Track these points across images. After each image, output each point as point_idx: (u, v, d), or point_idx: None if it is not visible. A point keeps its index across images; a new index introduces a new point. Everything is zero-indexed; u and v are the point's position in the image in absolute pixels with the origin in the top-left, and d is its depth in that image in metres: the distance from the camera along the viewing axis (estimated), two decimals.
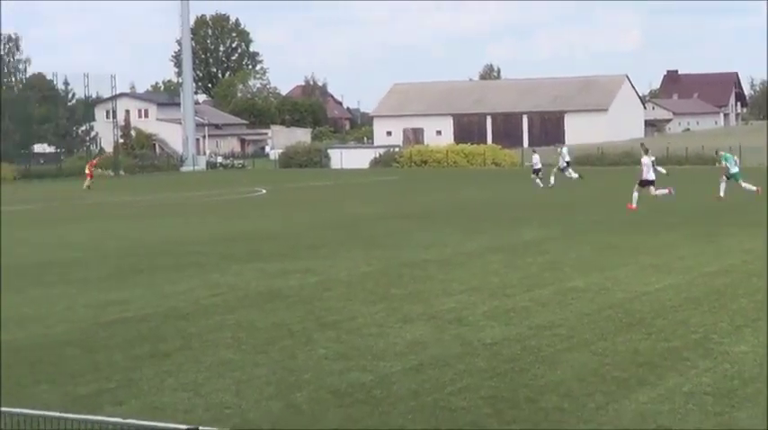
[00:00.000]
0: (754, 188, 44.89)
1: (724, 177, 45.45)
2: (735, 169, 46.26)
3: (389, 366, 14.37)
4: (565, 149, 65.87)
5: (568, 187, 56.24)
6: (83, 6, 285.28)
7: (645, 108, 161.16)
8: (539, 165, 60.74)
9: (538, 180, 59.09)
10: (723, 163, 46.87)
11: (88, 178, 70.01)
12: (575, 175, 61.11)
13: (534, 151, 66.38)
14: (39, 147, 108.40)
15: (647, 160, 42.61)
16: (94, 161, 79.31)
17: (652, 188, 41.79)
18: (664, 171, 62.90)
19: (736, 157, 48.52)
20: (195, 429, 7.82)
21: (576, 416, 11.86)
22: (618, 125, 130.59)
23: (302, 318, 18.24)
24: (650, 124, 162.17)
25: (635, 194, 40.44)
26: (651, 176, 41.90)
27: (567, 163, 64.11)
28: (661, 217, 36.73)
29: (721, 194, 44.13)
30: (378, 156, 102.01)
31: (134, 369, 14.46)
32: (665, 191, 42.51)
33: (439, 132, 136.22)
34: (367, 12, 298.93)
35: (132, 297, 20.95)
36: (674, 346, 15.28)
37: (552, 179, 58.12)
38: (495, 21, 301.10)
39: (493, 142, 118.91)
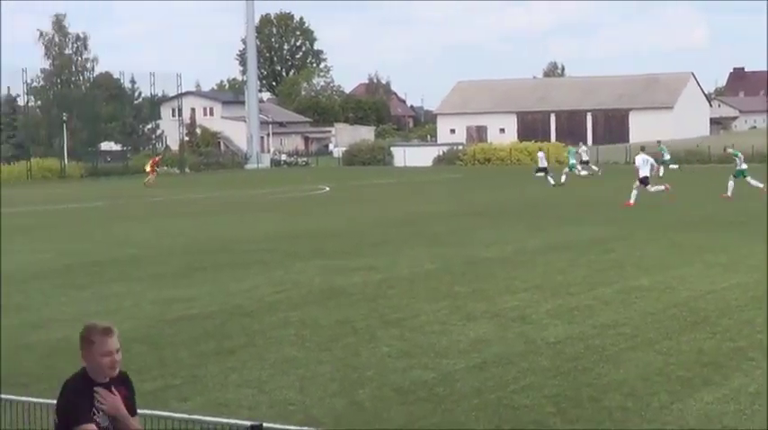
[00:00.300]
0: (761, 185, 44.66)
1: (732, 176, 45.29)
2: (743, 166, 46.09)
3: (452, 364, 14.39)
4: (584, 148, 66.60)
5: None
6: (149, 6, 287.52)
7: (711, 106, 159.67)
8: (544, 164, 60.92)
9: (549, 178, 59.01)
10: (737, 159, 46.77)
11: (151, 175, 70.56)
12: (583, 173, 61.43)
13: (540, 149, 66.70)
14: (105, 145, 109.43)
15: (640, 160, 43.00)
16: (157, 158, 79.81)
17: (649, 186, 42.03)
18: (676, 166, 63.33)
19: (741, 155, 48.35)
20: (259, 426, 7.89)
21: (639, 416, 11.82)
22: (683, 123, 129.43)
23: (365, 315, 18.30)
24: (716, 122, 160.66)
25: (633, 192, 41.24)
26: (645, 173, 42.11)
27: (586, 162, 64.77)
28: (727, 215, 36.42)
29: (728, 194, 43.76)
30: (441, 153, 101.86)
31: (199, 366, 14.58)
32: (662, 188, 42.72)
33: (502, 130, 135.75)
34: (431, 10, 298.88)
35: (197, 294, 21.12)
36: (739, 346, 15.16)
37: (563, 178, 58.59)
38: (559, 18, 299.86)
39: (557, 140, 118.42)
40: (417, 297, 20.18)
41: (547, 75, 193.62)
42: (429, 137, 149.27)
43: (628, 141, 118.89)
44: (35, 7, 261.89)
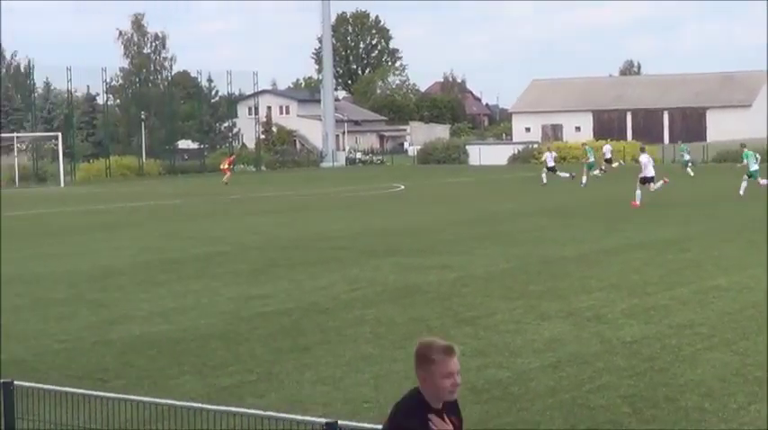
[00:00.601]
0: (765, 181, 45.14)
1: (745, 176, 45.50)
2: (754, 167, 46.40)
3: (527, 363, 14.37)
4: (608, 147, 70.06)
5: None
6: (226, 6, 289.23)
7: None
8: (552, 164, 61.78)
9: (543, 175, 60.41)
10: (744, 161, 47.20)
11: (226, 173, 71.04)
12: (564, 175, 62.90)
13: (549, 149, 68.11)
14: (183, 143, 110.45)
15: (644, 158, 44.46)
16: (232, 157, 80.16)
17: (651, 184, 43.19)
18: (691, 173, 64.36)
19: (757, 155, 48.85)
20: (334, 423, 7.91)
21: (717, 416, 11.73)
22: (762, 121, 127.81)
23: (440, 313, 18.32)
24: None
25: (637, 192, 42.11)
26: (650, 173, 43.39)
27: (609, 160, 66.72)
28: None
29: (741, 193, 44.19)
30: (516, 152, 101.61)
31: (275, 362, 14.68)
32: (660, 183, 44.14)
33: (578, 128, 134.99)
34: (507, 8, 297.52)
35: (273, 291, 21.26)
36: None
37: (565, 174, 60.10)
38: (636, 15, 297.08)
39: (633, 139, 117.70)
40: (492, 295, 20.17)
41: (623, 73, 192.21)
42: (504, 135, 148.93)
43: (705, 140, 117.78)
44: (115, 7, 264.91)
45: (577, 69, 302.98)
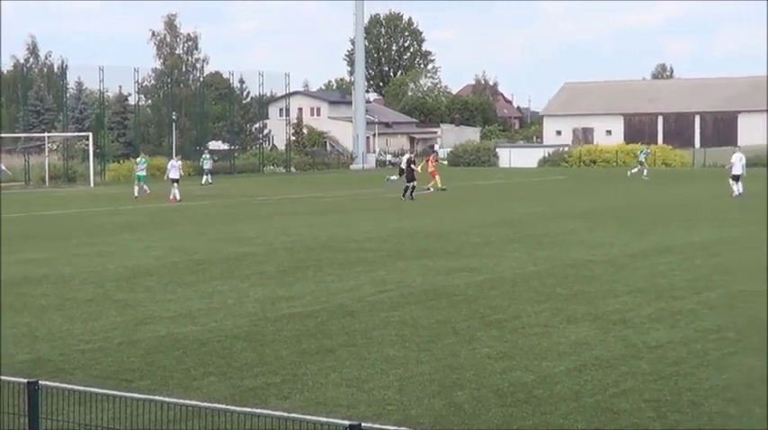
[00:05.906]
0: None
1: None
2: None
3: (552, 366, 14.35)
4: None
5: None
6: (258, 6, 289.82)
7: None
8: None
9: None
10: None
11: (435, 177, 62.18)
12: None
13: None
14: (213, 145, 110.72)
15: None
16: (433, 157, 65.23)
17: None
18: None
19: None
20: (357, 425, 7.90)
21: (741, 422, 11.67)
22: None
23: (466, 316, 18.31)
24: None
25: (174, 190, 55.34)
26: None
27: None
28: None
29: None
30: (546, 155, 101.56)
31: (299, 364, 14.70)
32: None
33: (609, 132, 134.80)
34: (540, 9, 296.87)
35: (300, 292, 21.28)
36: None
37: None
38: (669, 18, 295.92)
39: (664, 142, 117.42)
40: (519, 298, 20.15)
41: (655, 76, 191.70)
42: (535, 138, 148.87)
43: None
44: (148, 8, 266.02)
45: (610, 73, 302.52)
